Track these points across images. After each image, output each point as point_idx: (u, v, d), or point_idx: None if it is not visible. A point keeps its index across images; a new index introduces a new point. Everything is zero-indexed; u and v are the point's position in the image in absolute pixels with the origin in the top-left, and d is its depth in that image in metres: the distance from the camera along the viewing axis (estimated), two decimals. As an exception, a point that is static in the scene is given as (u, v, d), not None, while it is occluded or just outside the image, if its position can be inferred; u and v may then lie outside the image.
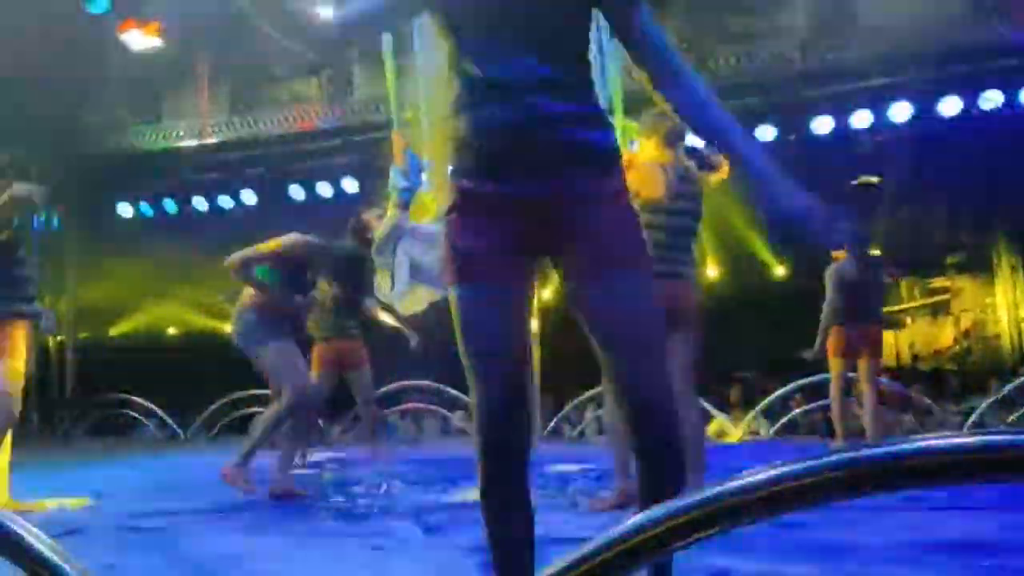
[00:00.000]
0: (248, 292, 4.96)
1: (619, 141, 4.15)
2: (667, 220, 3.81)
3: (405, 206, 4.44)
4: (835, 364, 5.91)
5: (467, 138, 1.72)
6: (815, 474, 0.85)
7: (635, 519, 0.91)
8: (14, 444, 4.37)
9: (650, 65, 1.75)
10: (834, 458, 0.85)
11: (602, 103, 4.50)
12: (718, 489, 0.88)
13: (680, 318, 3.76)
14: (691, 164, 3.97)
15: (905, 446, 0.83)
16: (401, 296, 4.35)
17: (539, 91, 1.66)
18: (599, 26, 4.49)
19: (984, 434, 0.81)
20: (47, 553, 1.07)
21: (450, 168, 1.81)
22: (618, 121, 4.38)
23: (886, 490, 0.85)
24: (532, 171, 1.67)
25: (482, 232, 1.69)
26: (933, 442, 0.82)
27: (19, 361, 4.21)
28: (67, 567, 1.06)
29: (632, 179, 3.86)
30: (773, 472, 0.86)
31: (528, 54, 1.66)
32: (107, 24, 8.95)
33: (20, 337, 4.21)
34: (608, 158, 1.75)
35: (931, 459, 0.82)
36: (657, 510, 0.91)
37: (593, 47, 4.42)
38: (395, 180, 4.43)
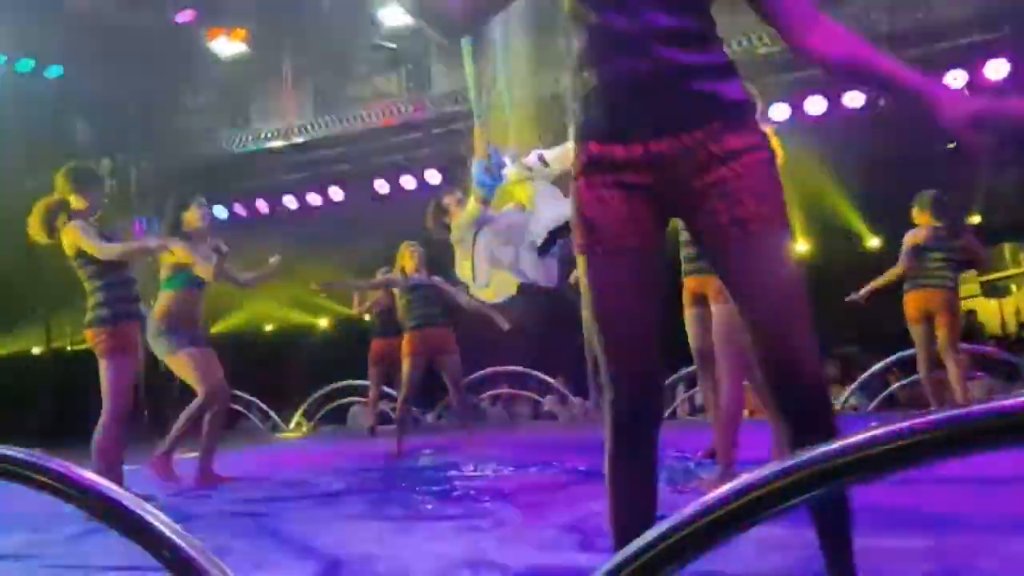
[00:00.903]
0: (160, 301, 5.18)
1: None
2: None
3: (486, 201, 4.50)
4: (913, 332, 5.87)
5: (593, 94, 1.66)
6: (912, 435, 0.85)
7: (723, 489, 0.91)
8: (126, 443, 4.59)
9: (784, 15, 1.67)
10: (932, 418, 0.84)
11: None
12: (813, 453, 0.88)
13: None
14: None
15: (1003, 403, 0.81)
16: (484, 287, 4.43)
17: (668, 42, 1.60)
18: None
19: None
20: (168, 533, 1.14)
21: (574, 128, 1.76)
22: None
23: (986, 448, 0.83)
24: (663, 126, 1.61)
25: (612, 195, 1.64)
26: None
27: (136, 359, 4.46)
28: (186, 546, 1.13)
29: None
30: (871, 433, 0.86)
31: (657, 5, 1.59)
32: (195, 33, 9.27)
33: (135, 337, 4.45)
34: (742, 109, 1.66)
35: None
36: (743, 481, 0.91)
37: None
38: (478, 175, 4.49)
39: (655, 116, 1.61)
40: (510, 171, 4.46)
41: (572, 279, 5.67)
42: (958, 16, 7.79)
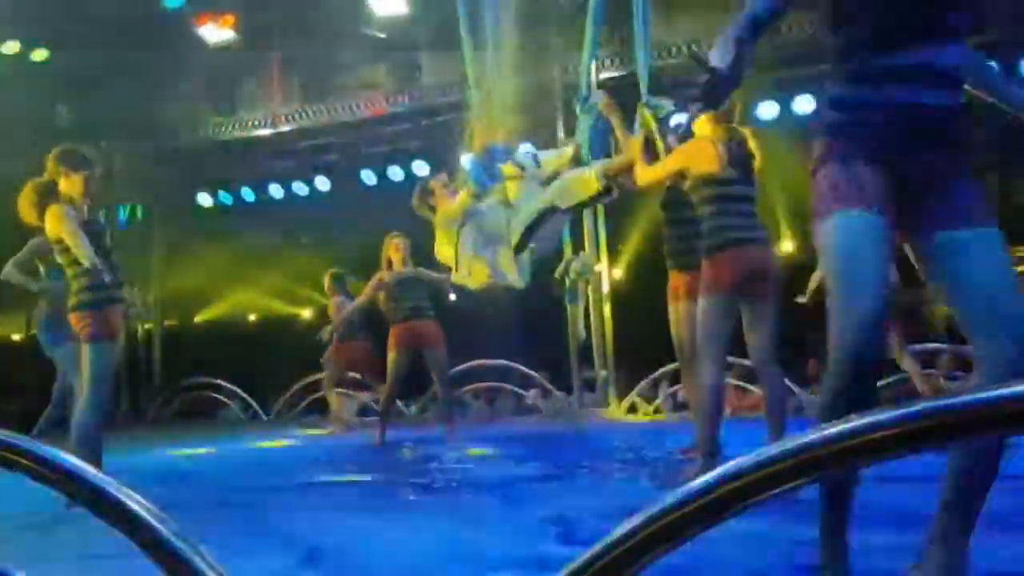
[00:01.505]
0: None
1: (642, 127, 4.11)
2: (727, 190, 3.86)
3: (478, 197, 4.52)
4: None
5: (854, 123, 1.90)
6: (894, 425, 0.85)
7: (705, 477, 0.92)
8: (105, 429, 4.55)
9: None
10: (915, 408, 0.85)
11: (643, 76, 4.47)
12: (799, 440, 0.89)
13: (761, 282, 3.84)
14: (744, 136, 3.95)
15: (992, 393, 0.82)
16: (466, 277, 4.46)
17: (936, 80, 1.84)
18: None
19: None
20: (150, 519, 1.13)
21: (824, 149, 1.96)
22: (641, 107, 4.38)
23: (970, 437, 0.84)
24: (917, 155, 1.87)
25: (863, 186, 1.85)
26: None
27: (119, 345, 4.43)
28: (168, 532, 1.12)
29: (684, 155, 3.91)
30: (856, 422, 0.86)
31: (932, 42, 1.82)
32: (183, 18, 9.20)
33: (119, 322, 4.41)
34: (969, 133, 2.01)
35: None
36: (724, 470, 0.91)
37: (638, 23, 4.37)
38: (476, 173, 4.50)
39: (912, 146, 1.95)
40: (503, 167, 4.48)
41: (557, 274, 5.69)
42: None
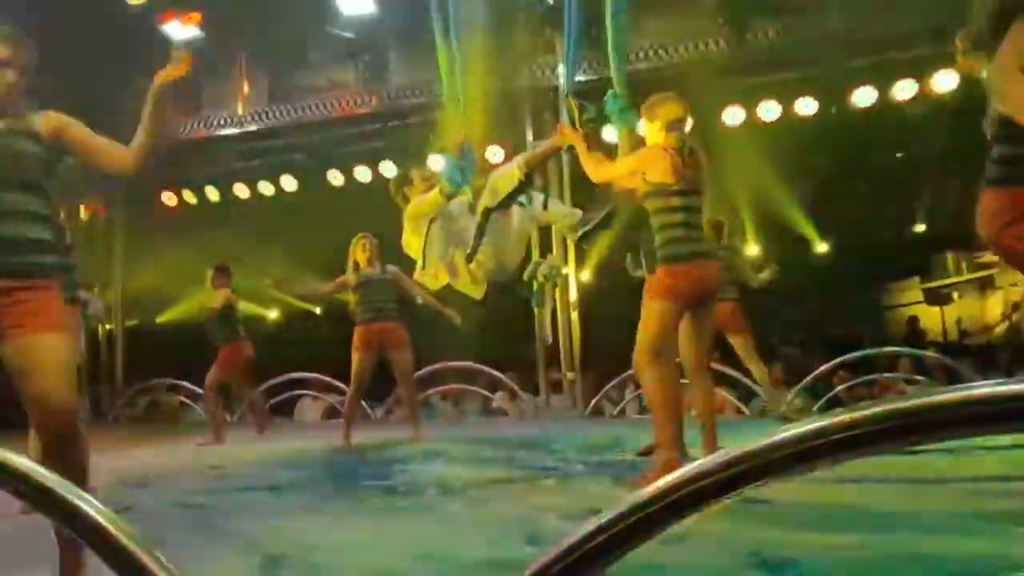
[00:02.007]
0: None
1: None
2: (680, 201, 3.92)
3: (451, 197, 4.51)
4: None
5: None
6: (861, 425, 0.86)
7: (660, 482, 0.92)
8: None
9: None
10: (879, 408, 0.85)
11: (616, 82, 4.49)
12: (762, 443, 0.89)
13: (708, 297, 4.04)
14: (694, 145, 4.02)
15: (950, 395, 0.83)
16: (456, 273, 4.46)
17: None
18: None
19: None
20: (104, 522, 1.11)
21: None
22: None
23: (928, 440, 0.85)
24: None
25: None
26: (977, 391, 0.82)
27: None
28: (122, 536, 1.10)
29: (639, 163, 3.95)
30: (819, 423, 0.87)
31: None
32: (147, 16, 9.07)
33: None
34: None
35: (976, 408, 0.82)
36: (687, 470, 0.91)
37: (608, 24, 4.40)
38: (450, 172, 4.48)
39: None
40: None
41: (524, 276, 5.69)
42: (910, 29, 7.96)
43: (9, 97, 2.68)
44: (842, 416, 0.86)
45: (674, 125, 3.95)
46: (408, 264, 5.03)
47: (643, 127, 4.13)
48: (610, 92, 4.43)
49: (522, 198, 4.55)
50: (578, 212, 4.75)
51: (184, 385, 10.50)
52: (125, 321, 11.92)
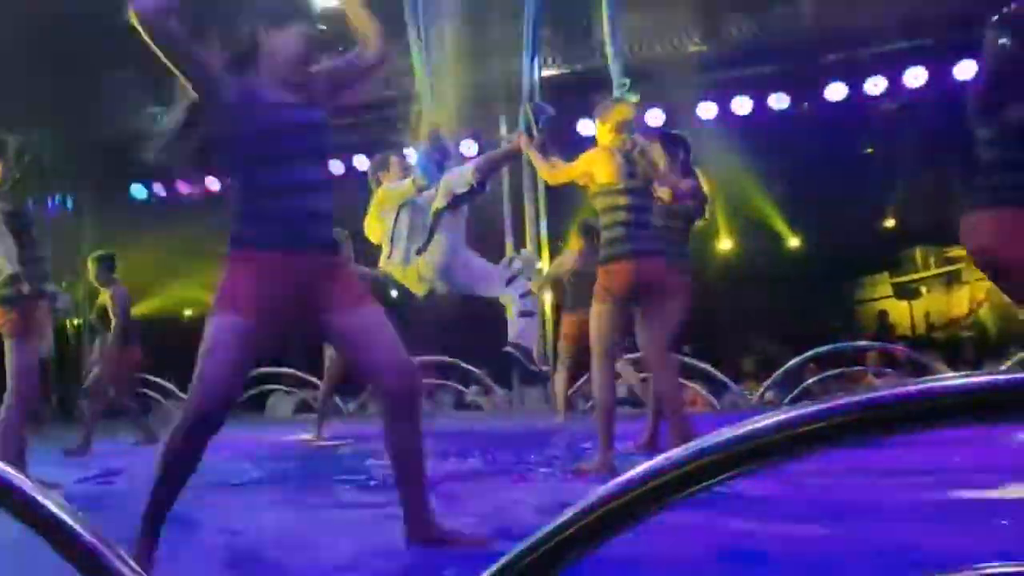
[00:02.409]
0: None
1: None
2: (625, 200, 3.99)
3: (422, 189, 4.49)
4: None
5: None
6: (827, 418, 0.86)
7: (642, 468, 0.92)
8: (32, 429, 4.41)
9: None
10: (845, 401, 0.85)
11: (615, 72, 4.51)
12: (734, 433, 0.89)
13: (655, 292, 4.05)
14: (646, 147, 4.07)
15: (914, 388, 0.83)
16: (397, 264, 4.45)
17: None
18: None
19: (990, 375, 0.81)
20: (60, 514, 1.09)
21: None
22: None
23: (896, 432, 0.85)
24: None
25: None
26: (941, 384, 0.83)
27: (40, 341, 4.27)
28: (79, 527, 1.08)
29: (587, 165, 4.01)
30: (785, 416, 0.87)
31: None
32: (126, 7, 8.93)
33: (42, 318, 4.26)
34: None
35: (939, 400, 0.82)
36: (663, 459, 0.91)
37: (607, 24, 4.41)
38: (424, 164, 4.47)
39: None
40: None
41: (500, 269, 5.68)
42: (881, 23, 8.03)
43: None
44: (810, 409, 0.86)
45: (622, 127, 4.03)
46: (371, 249, 5.00)
47: (595, 129, 4.20)
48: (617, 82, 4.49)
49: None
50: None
51: (156, 381, 10.38)
52: (93, 315, 11.77)
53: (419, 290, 4.67)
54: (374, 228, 4.68)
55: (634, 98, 4.37)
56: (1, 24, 8.45)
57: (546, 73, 8.74)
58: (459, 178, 4.38)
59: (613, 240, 3.99)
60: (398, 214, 4.50)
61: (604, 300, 4.00)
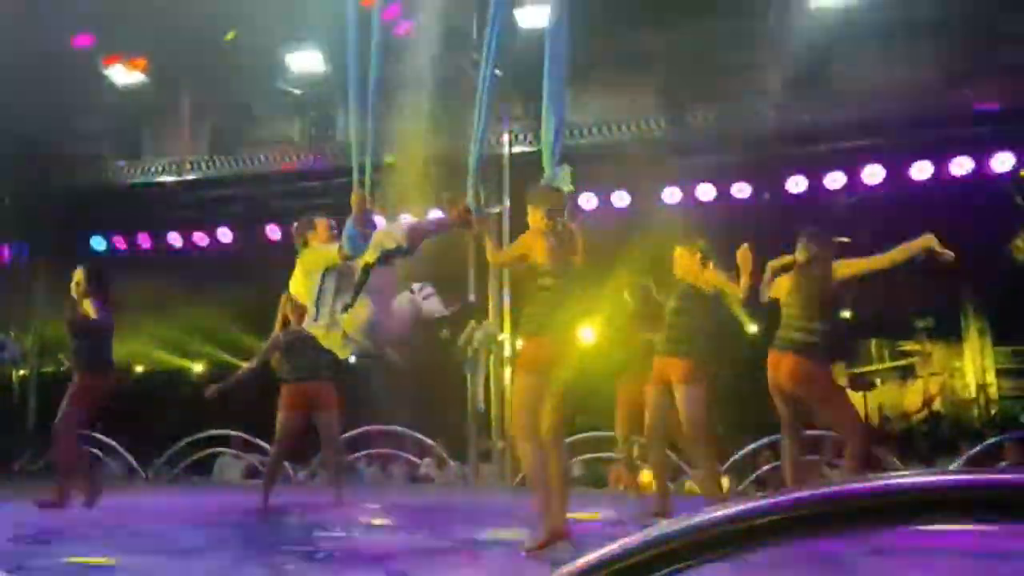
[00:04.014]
0: None
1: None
2: (550, 281, 4.17)
3: (348, 259, 4.51)
4: None
5: None
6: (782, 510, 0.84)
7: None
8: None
9: None
10: (803, 494, 0.84)
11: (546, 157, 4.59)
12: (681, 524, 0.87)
13: (568, 371, 4.18)
14: (574, 230, 4.23)
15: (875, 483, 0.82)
16: (318, 326, 4.43)
17: None
18: None
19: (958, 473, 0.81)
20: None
21: None
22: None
23: (850, 529, 0.84)
24: None
25: None
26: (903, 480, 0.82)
27: None
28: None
29: (521, 247, 4.14)
30: (742, 506, 0.85)
31: None
32: (91, 57, 8.96)
33: None
34: None
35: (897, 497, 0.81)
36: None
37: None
38: (352, 237, 4.50)
39: None
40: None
41: (460, 342, 5.66)
42: (841, 121, 8.31)
43: None
44: (760, 502, 0.84)
45: (553, 212, 4.21)
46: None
47: (529, 213, 4.34)
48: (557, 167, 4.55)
49: (414, 284, 4.65)
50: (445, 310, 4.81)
51: (99, 438, 10.09)
52: (41, 367, 11.47)
53: (344, 353, 4.67)
54: (300, 288, 4.70)
55: (567, 187, 4.47)
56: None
57: (517, 149, 8.92)
58: (390, 235, 4.44)
59: (536, 316, 4.15)
60: (324, 276, 4.51)
61: (527, 371, 4.13)
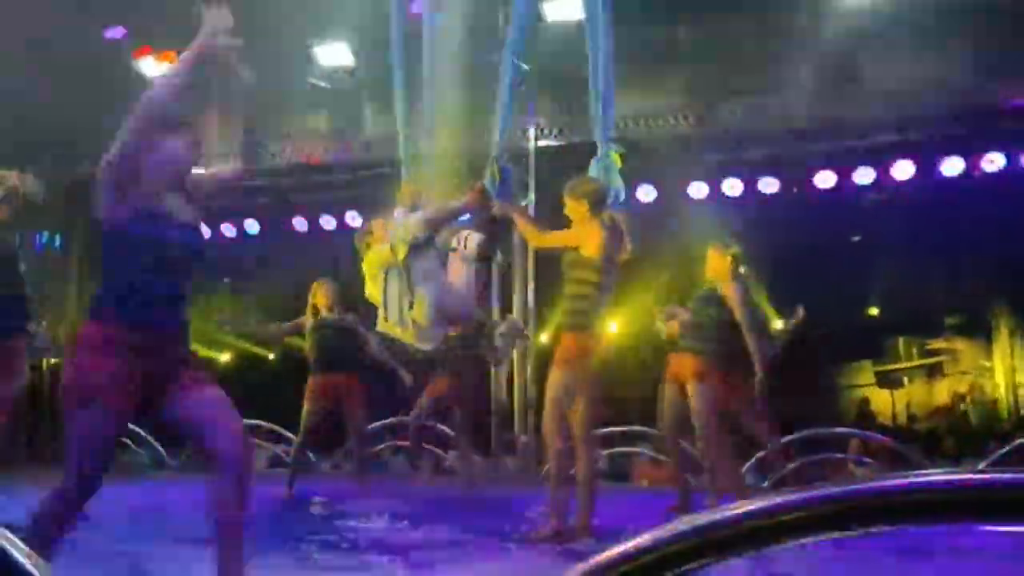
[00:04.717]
0: None
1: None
2: (600, 278, 4.11)
3: (398, 254, 4.51)
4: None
5: None
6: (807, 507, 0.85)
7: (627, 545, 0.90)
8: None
9: None
10: (830, 491, 0.84)
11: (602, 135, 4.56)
12: (707, 518, 0.88)
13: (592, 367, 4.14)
14: (620, 223, 4.17)
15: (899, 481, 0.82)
16: (397, 325, 4.42)
17: None
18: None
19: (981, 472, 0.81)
20: (25, 564, 1.05)
21: None
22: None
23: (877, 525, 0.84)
24: None
25: None
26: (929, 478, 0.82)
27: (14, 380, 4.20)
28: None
29: (574, 238, 4.08)
30: (766, 502, 0.86)
31: None
32: (121, 49, 9.05)
33: (19, 356, 4.20)
34: None
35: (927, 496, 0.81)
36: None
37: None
38: (401, 223, 4.50)
39: None
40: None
41: (486, 333, 5.68)
42: (870, 116, 8.22)
43: None
44: (788, 497, 0.85)
45: (597, 204, 4.16)
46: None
47: (569, 205, 4.25)
48: (603, 151, 4.56)
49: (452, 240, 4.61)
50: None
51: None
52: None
53: (425, 344, 4.62)
54: (372, 292, 4.66)
55: (616, 172, 4.44)
56: (4, 59, 8.54)
57: (543, 143, 8.91)
58: (405, 229, 4.39)
59: (584, 311, 4.08)
60: (386, 277, 4.50)
61: (569, 367, 4.07)
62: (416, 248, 4.33)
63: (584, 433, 4.13)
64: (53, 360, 11.26)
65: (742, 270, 5.34)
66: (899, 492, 0.81)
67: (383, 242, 4.72)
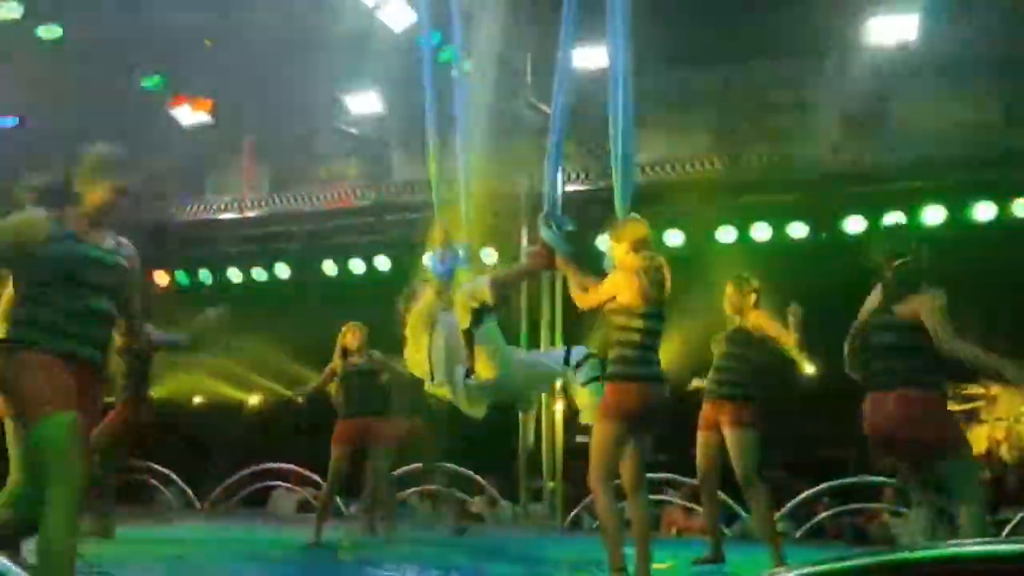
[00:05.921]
0: None
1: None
2: (643, 323, 3.99)
3: (440, 292, 4.52)
4: None
5: None
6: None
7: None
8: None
9: None
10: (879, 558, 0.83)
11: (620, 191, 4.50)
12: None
13: (656, 419, 4.08)
14: (661, 265, 4.06)
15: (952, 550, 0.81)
16: (444, 385, 4.38)
17: None
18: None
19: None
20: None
21: None
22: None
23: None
24: None
25: None
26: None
27: None
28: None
29: (613, 287, 4.00)
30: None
31: None
32: (157, 97, 9.27)
33: None
34: None
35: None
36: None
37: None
38: (433, 264, 4.53)
39: None
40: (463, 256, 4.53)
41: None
42: (898, 161, 8.18)
43: None
44: (835, 564, 0.84)
45: (639, 245, 4.05)
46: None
47: (610, 248, 4.20)
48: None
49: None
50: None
51: (155, 467, 10.28)
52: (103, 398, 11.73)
53: (476, 413, 4.55)
54: (414, 359, 4.57)
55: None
56: (44, 103, 8.76)
57: (570, 188, 8.95)
58: (472, 295, 4.30)
59: (625, 360, 3.98)
60: (432, 336, 4.43)
61: (610, 418, 3.96)
62: (479, 312, 4.25)
63: (635, 484, 4.08)
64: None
65: (759, 304, 5.29)
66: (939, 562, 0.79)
67: (422, 301, 4.65)
